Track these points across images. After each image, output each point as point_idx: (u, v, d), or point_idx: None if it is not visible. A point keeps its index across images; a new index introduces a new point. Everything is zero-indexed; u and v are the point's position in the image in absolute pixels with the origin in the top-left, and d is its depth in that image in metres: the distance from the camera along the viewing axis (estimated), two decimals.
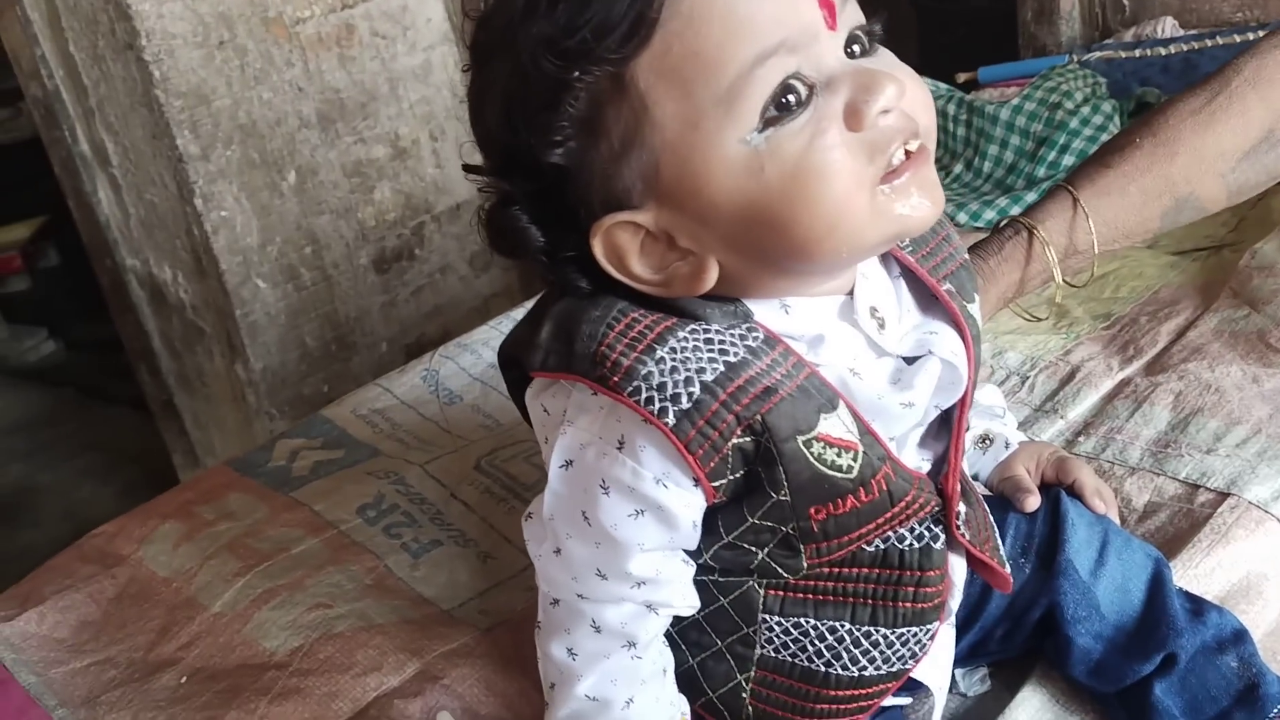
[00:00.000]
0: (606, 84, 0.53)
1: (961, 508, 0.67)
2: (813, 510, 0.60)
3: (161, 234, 1.90)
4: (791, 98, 0.53)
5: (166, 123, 1.76)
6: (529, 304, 0.67)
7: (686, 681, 0.68)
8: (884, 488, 0.61)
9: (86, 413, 2.55)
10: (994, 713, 0.76)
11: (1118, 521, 0.83)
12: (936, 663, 0.72)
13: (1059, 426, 1.01)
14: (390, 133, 2.01)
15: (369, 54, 1.95)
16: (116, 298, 2.01)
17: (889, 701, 0.70)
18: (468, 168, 0.60)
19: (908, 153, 0.55)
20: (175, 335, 2.01)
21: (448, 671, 0.81)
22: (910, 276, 0.66)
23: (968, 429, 0.81)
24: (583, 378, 0.57)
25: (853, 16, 0.56)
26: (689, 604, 0.64)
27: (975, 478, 0.83)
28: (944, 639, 0.72)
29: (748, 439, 0.57)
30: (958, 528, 0.66)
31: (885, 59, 0.57)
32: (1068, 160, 1.32)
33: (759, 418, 0.56)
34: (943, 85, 1.50)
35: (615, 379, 0.56)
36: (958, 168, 1.42)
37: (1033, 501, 0.79)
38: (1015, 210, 1.28)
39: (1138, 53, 1.51)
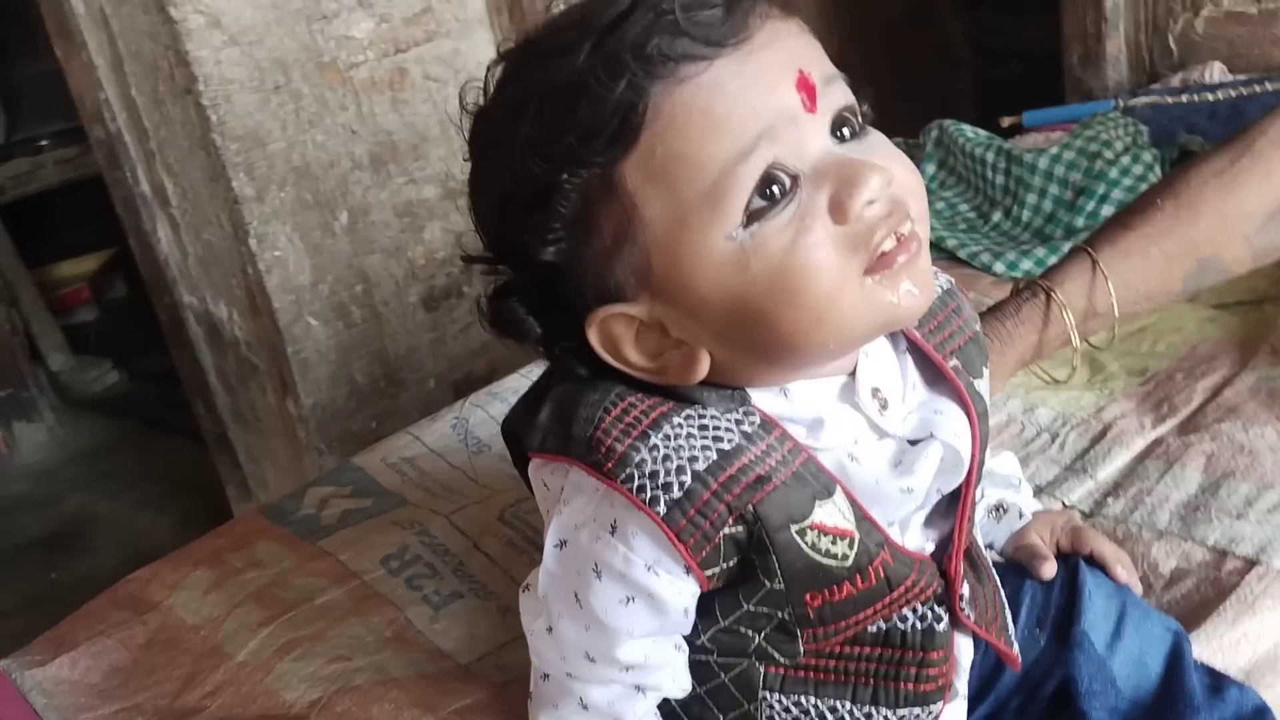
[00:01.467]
0: (596, 184, 0.54)
1: (966, 589, 0.66)
2: (808, 597, 0.60)
3: (218, 272, 1.94)
4: (775, 188, 0.54)
5: (223, 165, 1.81)
6: None
7: None
8: (881, 574, 0.61)
9: (147, 443, 2.61)
10: None
11: (1139, 590, 0.82)
12: None
13: (1088, 486, 1.00)
14: (441, 173, 2.04)
15: (421, 97, 1.99)
16: (175, 333, 2.07)
17: None
18: (466, 258, 0.61)
19: (899, 238, 0.55)
20: (230, 371, 2.05)
21: None
22: (917, 351, 0.66)
23: (981, 498, 0.80)
24: (578, 462, 0.58)
25: (838, 98, 0.57)
26: (679, 687, 0.64)
27: (989, 547, 0.83)
28: (956, 714, 0.71)
29: (740, 528, 0.57)
30: (962, 609, 0.65)
31: (874, 142, 0.58)
32: (1106, 210, 1.30)
33: (750, 508, 0.57)
34: (983, 133, 1.49)
35: (609, 465, 0.56)
36: (996, 216, 1.41)
37: (1049, 568, 0.78)
38: (1053, 260, 1.26)
39: (1185, 98, 1.49)
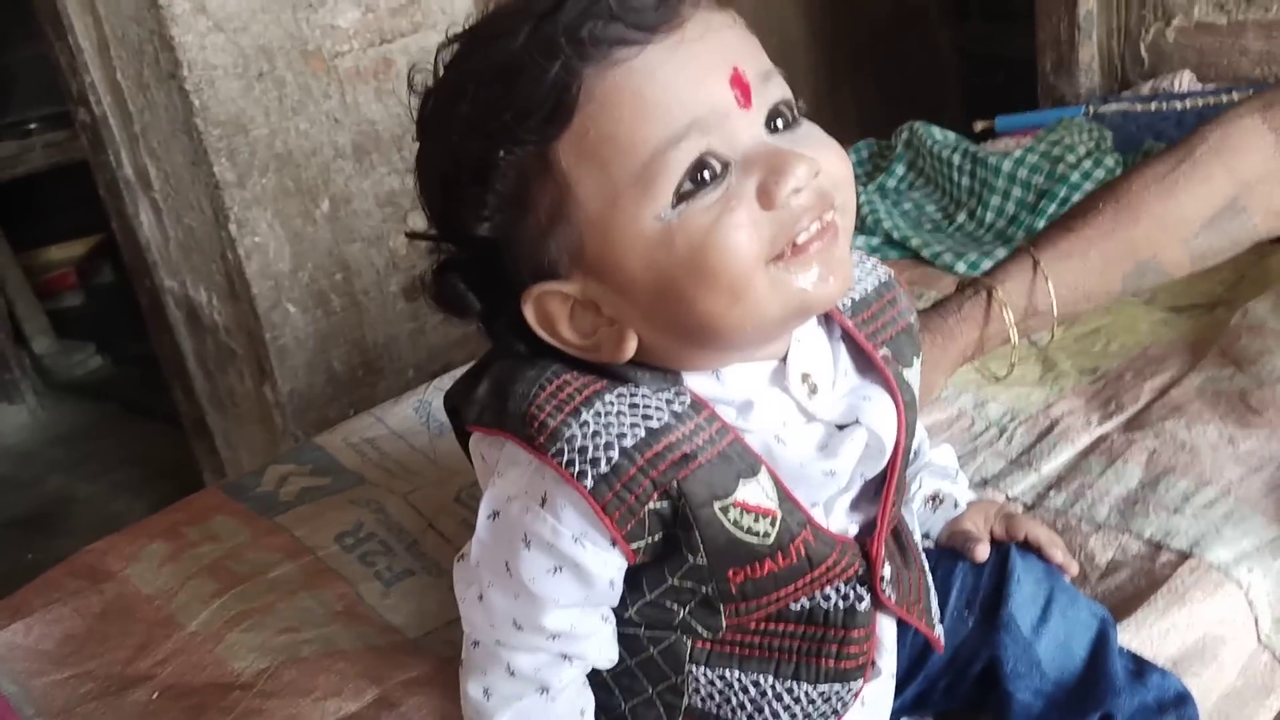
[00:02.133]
0: (532, 162, 0.56)
1: (887, 570, 0.68)
2: (730, 573, 0.62)
3: (198, 257, 1.96)
4: (705, 173, 0.56)
5: (205, 150, 1.82)
6: None
7: None
8: (802, 553, 0.63)
9: (127, 427, 2.62)
10: None
11: (1074, 571, 0.84)
12: (872, 716, 0.73)
13: (1032, 480, 1.02)
14: None
15: (405, 87, 2.00)
16: (155, 317, 2.08)
17: None
18: (410, 234, 0.63)
19: (820, 230, 0.57)
20: (209, 356, 2.07)
21: (405, 699, 0.83)
22: (850, 339, 0.68)
23: (919, 488, 0.82)
24: (513, 435, 0.60)
25: (774, 93, 0.59)
26: (606, 657, 0.66)
27: (926, 535, 0.85)
28: (882, 691, 0.73)
29: (664, 504, 0.59)
30: (883, 590, 0.67)
31: (806, 133, 0.59)
32: None
33: (675, 484, 0.58)
34: (951, 135, 1.51)
35: (541, 439, 0.58)
36: (961, 217, 1.43)
37: (983, 550, 0.80)
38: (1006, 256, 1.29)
39: (1153, 106, 1.51)
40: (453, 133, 0.58)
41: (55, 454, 2.61)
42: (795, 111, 0.60)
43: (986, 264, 1.32)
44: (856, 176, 1.60)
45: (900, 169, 1.55)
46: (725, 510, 0.60)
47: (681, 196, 0.55)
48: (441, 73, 0.61)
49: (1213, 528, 0.91)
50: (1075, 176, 1.33)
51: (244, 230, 1.88)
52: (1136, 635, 0.84)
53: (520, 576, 0.61)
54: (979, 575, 0.79)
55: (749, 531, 0.61)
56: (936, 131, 1.51)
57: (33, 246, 3.06)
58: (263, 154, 1.87)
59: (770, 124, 0.58)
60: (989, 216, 1.40)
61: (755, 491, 0.60)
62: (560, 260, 0.59)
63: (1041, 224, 1.34)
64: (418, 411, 1.17)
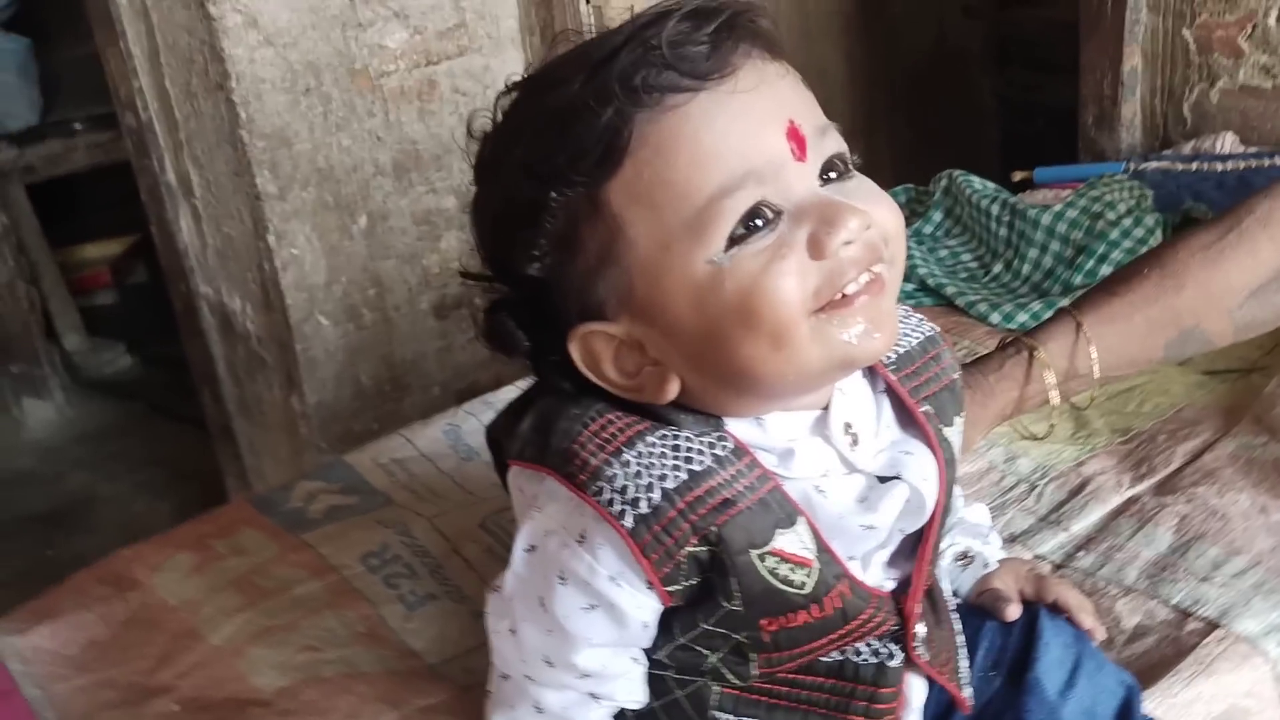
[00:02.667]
0: (583, 204, 0.57)
1: (921, 629, 0.68)
2: (765, 622, 0.62)
3: (235, 265, 1.98)
4: (758, 220, 0.56)
5: (248, 161, 1.84)
6: None
7: None
8: (838, 605, 0.62)
9: (153, 428, 2.64)
10: None
11: (1102, 636, 0.83)
12: None
13: (1060, 539, 1.01)
14: (461, 184, 2.07)
15: (448, 109, 2.02)
16: (188, 322, 2.10)
17: None
18: (465, 274, 0.65)
19: (868, 283, 0.58)
20: (239, 363, 2.08)
21: None
22: (893, 393, 0.68)
23: (952, 545, 0.82)
24: (554, 472, 0.60)
25: (830, 146, 0.59)
26: (634, 699, 0.66)
27: (955, 593, 0.84)
28: None
29: (703, 548, 0.59)
30: (915, 648, 0.67)
31: (858, 185, 0.60)
32: (1104, 269, 1.32)
33: (714, 529, 0.59)
34: (990, 185, 1.51)
35: (582, 477, 0.59)
36: (997, 267, 1.43)
37: (1014, 610, 0.79)
38: (1047, 316, 1.28)
39: (1194, 166, 1.51)
40: (507, 175, 0.60)
41: (80, 451, 2.63)
42: (849, 164, 0.61)
43: (1022, 316, 1.32)
44: None
45: (938, 216, 1.55)
46: (762, 558, 0.60)
47: (734, 240, 0.56)
48: (499, 118, 0.62)
49: (1242, 598, 0.90)
50: (1115, 234, 1.33)
51: (282, 242, 1.90)
52: (1161, 704, 0.83)
53: (554, 613, 0.61)
54: (1007, 635, 0.79)
55: (785, 581, 0.61)
56: (976, 180, 1.51)
57: (69, 243, 3.09)
58: (304, 168, 1.89)
59: (824, 176, 0.59)
60: (1025, 269, 1.40)
61: (793, 541, 0.60)
62: (608, 301, 0.59)
63: (1079, 279, 1.34)
64: (447, 435, 1.17)
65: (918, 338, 0.72)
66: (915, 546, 0.68)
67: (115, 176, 2.77)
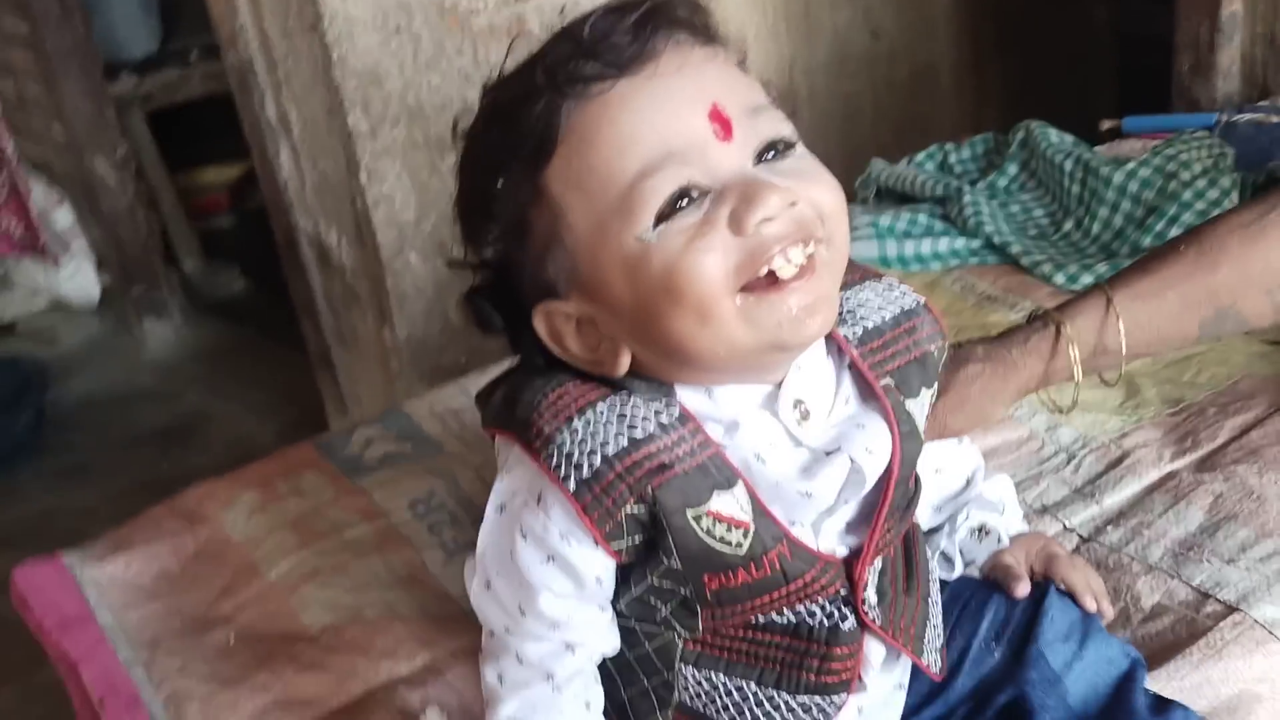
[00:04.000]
0: (526, 191, 0.62)
1: (871, 593, 0.70)
2: (706, 578, 0.66)
3: (331, 201, 2.05)
4: (683, 201, 0.59)
5: (341, 100, 1.90)
6: None
7: (619, 710, 0.74)
8: (777, 566, 0.66)
9: (262, 351, 2.77)
10: None
11: (1109, 616, 0.84)
12: None
13: (1092, 512, 1.01)
14: None
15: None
16: (289, 254, 2.19)
17: None
18: (450, 263, 0.70)
19: (799, 266, 0.60)
20: (336, 295, 2.17)
21: (451, 667, 0.90)
22: (856, 367, 0.70)
23: (967, 519, 0.84)
24: (517, 438, 0.65)
25: (766, 128, 0.62)
26: (608, 646, 0.70)
27: (971, 563, 0.86)
28: (888, 704, 0.76)
29: (640, 508, 0.63)
30: (866, 612, 0.70)
31: (795, 164, 0.62)
32: (1174, 231, 1.29)
33: (650, 490, 0.63)
34: (1069, 139, 1.48)
35: (537, 444, 0.64)
36: (1068, 225, 1.41)
37: (1023, 588, 0.81)
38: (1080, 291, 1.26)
39: None
40: (465, 169, 0.65)
41: (195, 371, 2.78)
42: (788, 144, 0.63)
43: (1086, 278, 1.30)
44: (969, 170, 1.59)
45: (1013, 169, 1.52)
46: (698, 519, 0.63)
47: (661, 218, 0.59)
48: (475, 119, 0.66)
49: (1265, 582, 0.90)
50: (1187, 195, 1.29)
51: (373, 179, 1.96)
52: (1168, 684, 0.83)
53: (519, 564, 0.67)
54: (1012, 608, 0.80)
55: (721, 540, 0.64)
56: (1053, 134, 1.48)
57: (188, 168, 3.22)
58: (395, 106, 1.93)
59: (761, 156, 0.61)
60: (1096, 228, 1.37)
61: (729, 503, 0.64)
62: (558, 281, 0.63)
63: (1148, 241, 1.31)
64: None
65: (893, 311, 0.73)
66: (872, 512, 0.70)
67: (231, 103, 2.88)
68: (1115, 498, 1.02)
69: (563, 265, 0.63)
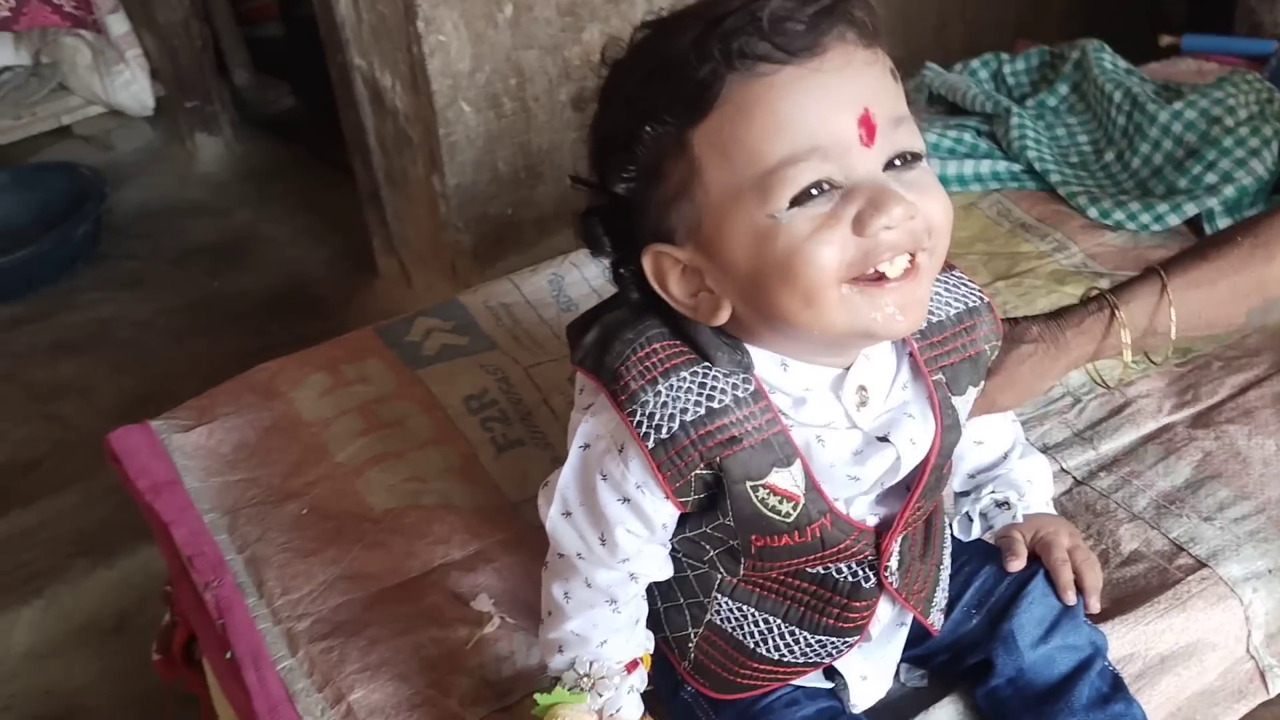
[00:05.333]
0: (671, 141, 0.66)
1: (894, 561, 0.80)
2: (753, 537, 0.75)
3: (387, 44, 2.07)
4: (815, 190, 0.64)
5: None
6: None
7: (654, 620, 0.85)
8: (818, 534, 0.75)
9: (312, 173, 2.80)
10: (920, 707, 0.90)
11: (1094, 609, 0.92)
12: (872, 657, 0.86)
13: (1088, 456, 1.10)
14: None
15: None
16: (343, 91, 2.22)
17: (814, 684, 0.86)
18: (574, 179, 0.73)
19: (904, 268, 0.65)
20: (388, 136, 2.21)
21: (499, 556, 1.01)
22: (913, 357, 0.77)
23: (993, 493, 0.92)
24: (604, 386, 0.72)
25: (902, 140, 0.66)
26: (664, 575, 0.80)
27: (990, 526, 0.94)
28: (894, 643, 0.87)
29: (708, 472, 0.71)
30: (887, 577, 0.80)
31: (918, 178, 0.67)
32: (1210, 177, 1.32)
33: (718, 460, 0.71)
34: (1122, 65, 1.49)
35: (623, 397, 0.71)
36: (1109, 155, 1.44)
37: (1016, 565, 0.90)
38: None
39: None
40: (615, 104, 0.68)
41: (246, 189, 2.83)
42: (917, 157, 0.67)
43: (1118, 214, 1.34)
44: (1021, 84, 1.60)
45: (1064, 89, 1.54)
46: (755, 489, 0.72)
47: (795, 202, 0.64)
48: (626, 52, 0.69)
49: (1235, 542, 0.99)
50: (1228, 141, 1.32)
51: (430, 28, 1.97)
52: (1134, 629, 0.94)
53: (598, 500, 0.75)
54: (998, 582, 0.89)
55: (773, 510, 0.73)
56: (1108, 59, 1.49)
57: None
58: None
59: (890, 163, 0.66)
60: (1135, 163, 1.40)
61: (785, 479, 0.72)
62: (678, 229, 0.68)
63: (1183, 183, 1.34)
64: (551, 284, 1.30)
65: (957, 308, 0.79)
66: (904, 491, 0.78)
67: None
68: (1111, 445, 1.11)
69: (686, 216, 0.67)
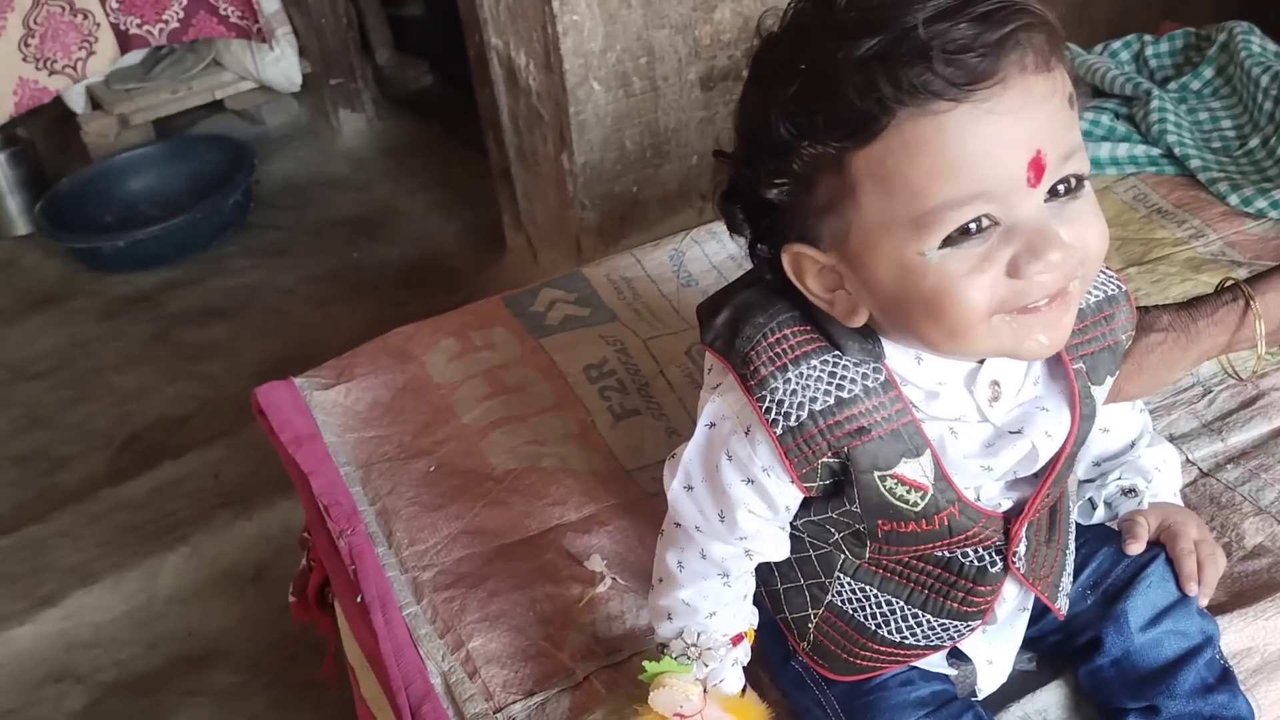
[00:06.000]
0: (829, 159, 0.64)
1: (1023, 546, 0.79)
2: (880, 523, 0.75)
3: (523, 23, 2.12)
4: (973, 226, 0.63)
5: None
6: None
7: (773, 600, 0.86)
8: (945, 523, 0.75)
9: (447, 151, 2.89)
10: (1027, 689, 0.90)
11: (1204, 601, 0.89)
12: (996, 641, 0.86)
13: (1216, 448, 1.08)
14: None
15: None
16: (479, 70, 2.28)
17: (936, 669, 0.86)
18: (717, 154, 0.73)
19: (1053, 297, 0.65)
20: (520, 114, 2.27)
21: (612, 520, 1.05)
22: None
23: (1120, 479, 0.91)
24: (733, 369, 0.73)
25: (1070, 168, 0.63)
26: (780, 555, 0.81)
27: (1113, 516, 0.93)
28: (1018, 627, 0.86)
29: (835, 461, 0.72)
30: (1014, 562, 0.79)
31: (1080, 207, 0.65)
32: None
33: (846, 449, 0.71)
34: (1271, 49, 1.44)
35: (752, 382, 0.71)
36: (1254, 141, 1.39)
37: (1134, 548, 0.89)
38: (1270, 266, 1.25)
39: None
40: (772, 106, 0.64)
41: (385, 164, 2.93)
42: (1079, 181, 0.64)
43: (1260, 202, 1.30)
44: (1164, 66, 1.56)
45: (1209, 72, 1.49)
46: (883, 479, 0.72)
47: (948, 241, 0.63)
48: (784, 31, 0.67)
49: None
50: None
51: (565, 7, 2.02)
52: (1253, 623, 0.92)
53: (721, 479, 0.76)
54: (1116, 563, 0.88)
55: (901, 499, 0.73)
56: (1255, 42, 1.44)
57: None
58: None
59: (1054, 189, 0.63)
60: None
61: (914, 469, 0.72)
62: (824, 238, 0.67)
63: None
64: (672, 259, 1.32)
65: (1097, 296, 0.78)
66: (1038, 477, 0.77)
67: None
68: (1241, 437, 1.08)
69: (834, 229, 0.66)
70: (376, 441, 1.15)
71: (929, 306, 0.65)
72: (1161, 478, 0.93)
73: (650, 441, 1.11)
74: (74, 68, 2.42)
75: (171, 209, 2.67)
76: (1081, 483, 0.95)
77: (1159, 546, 0.89)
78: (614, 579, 1.00)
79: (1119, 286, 0.79)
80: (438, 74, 3.19)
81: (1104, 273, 0.79)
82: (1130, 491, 0.92)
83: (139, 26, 2.48)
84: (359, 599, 0.99)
